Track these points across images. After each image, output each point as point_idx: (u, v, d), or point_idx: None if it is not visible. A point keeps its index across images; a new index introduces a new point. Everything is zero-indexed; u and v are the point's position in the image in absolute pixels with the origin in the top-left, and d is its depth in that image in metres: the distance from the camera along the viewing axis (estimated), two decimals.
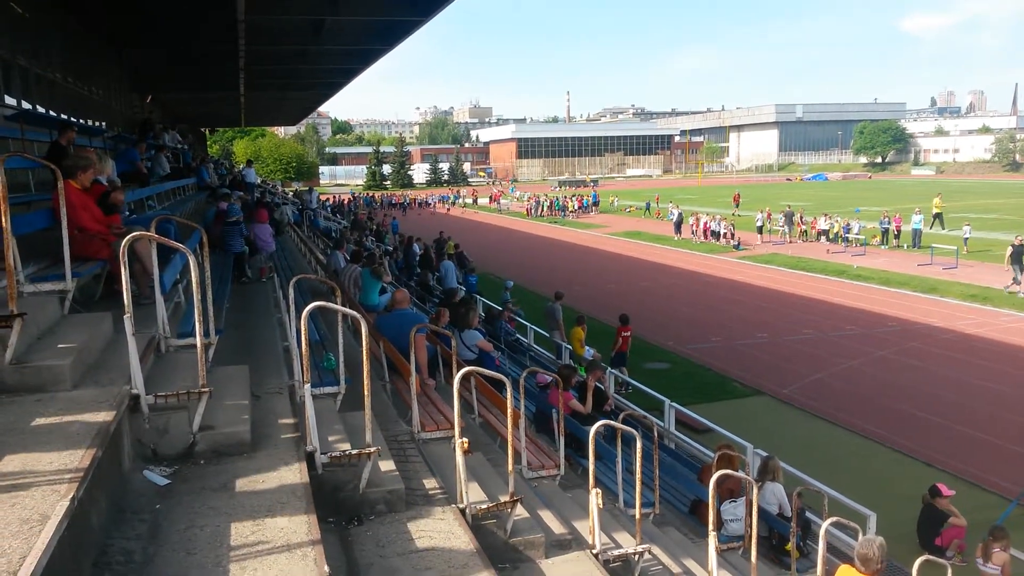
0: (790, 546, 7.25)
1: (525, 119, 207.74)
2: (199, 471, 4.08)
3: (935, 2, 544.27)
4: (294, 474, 4.10)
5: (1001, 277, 25.89)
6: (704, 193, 76.81)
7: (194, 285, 4.28)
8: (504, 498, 4.78)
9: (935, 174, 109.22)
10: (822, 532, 5.72)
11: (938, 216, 38.39)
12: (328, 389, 5.60)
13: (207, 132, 50.89)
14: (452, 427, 5.26)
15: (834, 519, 6.16)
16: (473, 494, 4.82)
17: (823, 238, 37.16)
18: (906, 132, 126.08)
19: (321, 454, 4.34)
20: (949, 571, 6.84)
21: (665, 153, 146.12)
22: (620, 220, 54.49)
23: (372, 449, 4.40)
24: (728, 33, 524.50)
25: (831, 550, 7.08)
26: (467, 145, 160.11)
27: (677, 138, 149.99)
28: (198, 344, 4.25)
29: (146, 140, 15.13)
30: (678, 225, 41.74)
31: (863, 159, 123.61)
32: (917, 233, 34.10)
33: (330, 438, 4.73)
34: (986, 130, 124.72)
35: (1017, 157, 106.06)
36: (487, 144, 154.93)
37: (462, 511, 4.62)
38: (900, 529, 8.86)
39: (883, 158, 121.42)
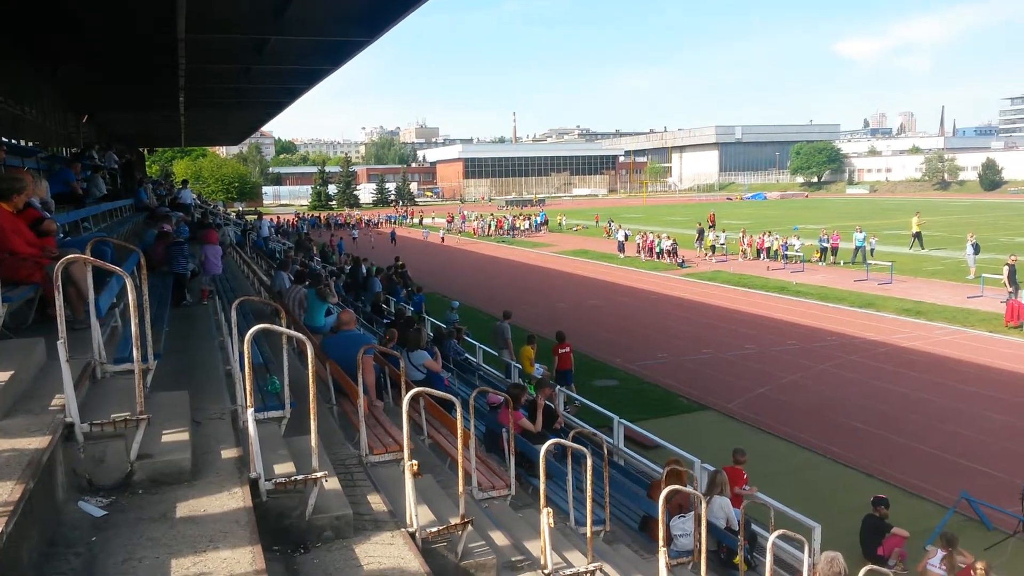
0: (738, 559, 7.34)
1: (472, 139, 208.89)
2: (137, 501, 3.93)
3: (868, 27, 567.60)
4: (237, 502, 3.99)
5: (935, 293, 26.93)
6: (649, 212, 78.09)
7: (131, 309, 4.15)
8: (455, 520, 4.73)
9: (869, 193, 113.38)
10: (769, 544, 5.81)
11: (917, 236, 38.50)
12: (272, 413, 5.48)
13: (146, 152, 49.70)
14: (401, 449, 5.19)
15: (780, 532, 6.26)
16: (423, 517, 4.76)
17: (763, 255, 38.11)
18: (840, 152, 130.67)
19: (265, 481, 4.23)
20: None
21: (610, 173, 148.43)
22: (567, 239, 54.97)
23: (319, 474, 4.31)
24: (671, 55, 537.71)
25: (777, 562, 7.19)
26: (414, 165, 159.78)
27: (621, 158, 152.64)
28: (136, 370, 4.11)
29: (81, 160, 14.70)
30: (622, 244, 42.47)
31: (800, 179, 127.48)
32: (859, 250, 35.15)
33: (275, 464, 4.62)
34: (916, 150, 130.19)
35: (946, 176, 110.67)
36: (434, 164, 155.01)
37: (412, 535, 4.55)
38: (844, 540, 9.04)
39: (819, 178, 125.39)
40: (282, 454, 4.91)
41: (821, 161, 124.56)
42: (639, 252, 41.11)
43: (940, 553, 8.38)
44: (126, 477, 4.08)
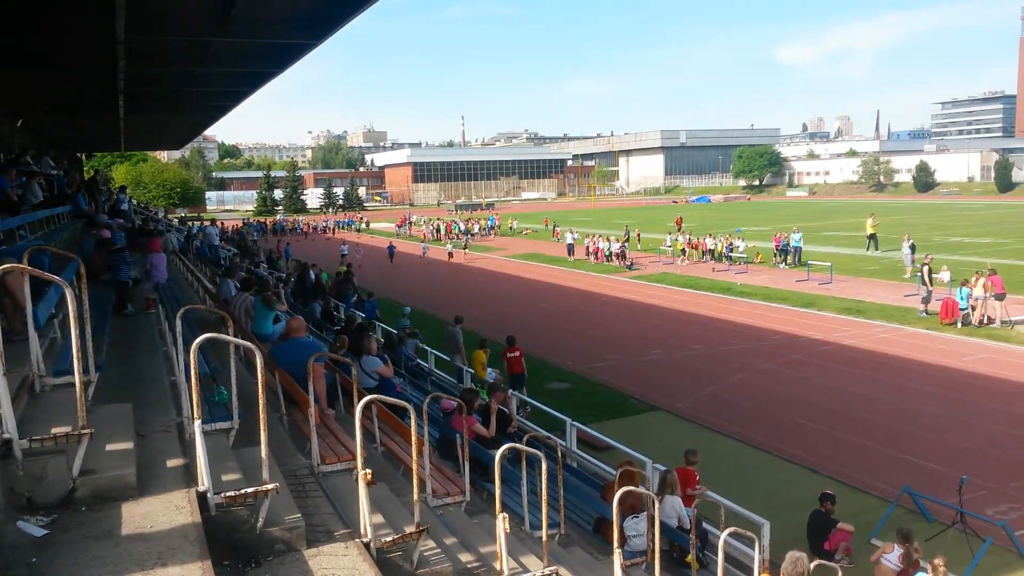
0: (690, 558, 7.44)
1: (421, 143, 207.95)
2: (80, 519, 3.81)
3: (807, 34, 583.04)
4: (185, 517, 3.90)
5: (873, 292, 27.78)
6: (597, 215, 78.85)
7: (72, 319, 4.02)
8: (410, 529, 4.70)
9: (808, 195, 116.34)
10: (720, 542, 5.91)
11: (872, 237, 38.98)
12: (220, 425, 5.36)
13: (84, 157, 48.17)
14: (354, 458, 5.13)
15: (731, 529, 6.38)
16: (377, 526, 4.71)
17: (706, 257, 38.79)
18: (781, 156, 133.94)
19: (214, 494, 4.14)
20: (839, 573, 7.18)
21: (559, 177, 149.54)
22: (517, 243, 55.14)
23: (269, 486, 4.23)
24: (617, 60, 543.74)
25: (729, 559, 7.31)
26: (362, 169, 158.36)
27: (570, 162, 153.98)
28: (76, 382, 3.98)
29: (16, 166, 14.18)
30: (571, 247, 42.82)
31: (742, 182, 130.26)
32: (797, 251, 36.08)
33: (224, 477, 4.52)
34: (853, 153, 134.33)
35: (881, 178, 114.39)
36: (382, 168, 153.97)
37: (366, 545, 4.50)
38: (792, 535, 9.26)
39: (760, 181, 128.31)
40: (231, 466, 4.81)
41: (762, 165, 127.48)
42: (587, 255, 41.52)
43: (899, 549, 8.52)
44: (68, 494, 3.95)
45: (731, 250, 36.83)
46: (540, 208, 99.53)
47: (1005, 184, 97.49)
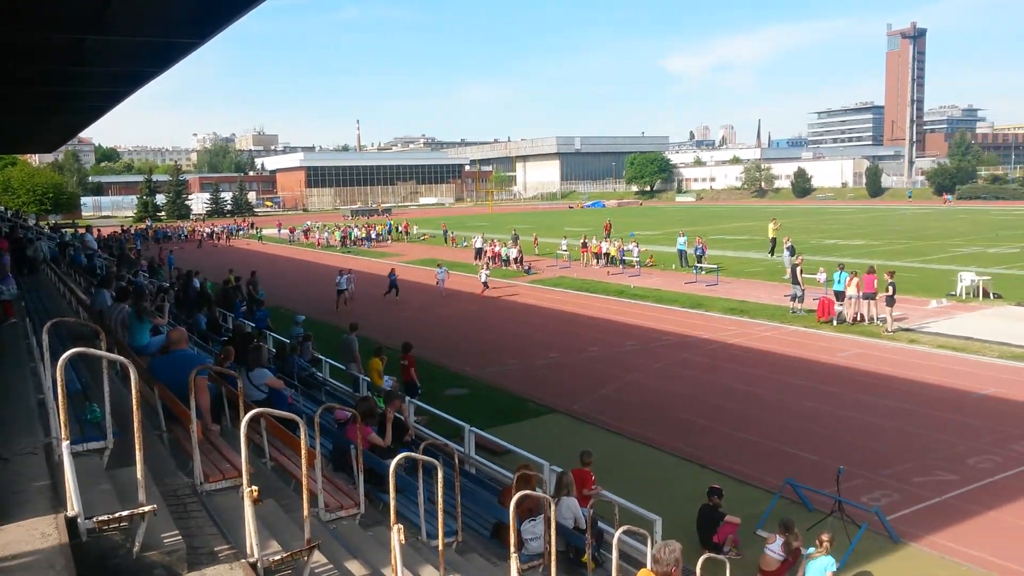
0: (586, 558, 7.55)
1: (314, 147, 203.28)
2: None
3: (692, 45, 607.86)
4: (52, 543, 3.63)
5: (756, 292, 29.14)
6: (495, 220, 79.30)
7: None
8: (300, 545, 4.55)
9: (696, 200, 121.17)
10: (615, 541, 6.02)
11: (774, 241, 39.55)
12: (93, 444, 5.05)
13: None
14: (240, 475, 4.93)
15: (625, 527, 6.52)
16: (265, 545, 4.54)
17: (601, 261, 39.65)
18: (670, 163, 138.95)
19: (85, 519, 3.88)
20: (727, 565, 7.46)
21: (456, 182, 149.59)
22: (415, 248, 54.70)
23: (146, 508, 4.01)
24: (514, 67, 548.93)
25: (624, 557, 7.47)
26: (252, 173, 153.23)
27: (467, 167, 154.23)
28: None
29: None
30: (479, 251, 42.88)
31: (634, 188, 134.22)
32: (682, 254, 37.57)
33: (97, 499, 4.25)
34: (736, 161, 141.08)
35: (763, 184, 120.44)
36: (274, 172, 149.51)
37: (252, 565, 4.32)
38: (683, 530, 9.56)
39: (651, 187, 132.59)
40: (105, 488, 4.54)
41: (653, 171, 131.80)
42: (484, 259, 41.71)
43: (779, 539, 9.06)
44: None
45: (624, 254, 37.85)
46: (438, 213, 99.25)
47: (875, 189, 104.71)
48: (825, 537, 8.43)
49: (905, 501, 11.16)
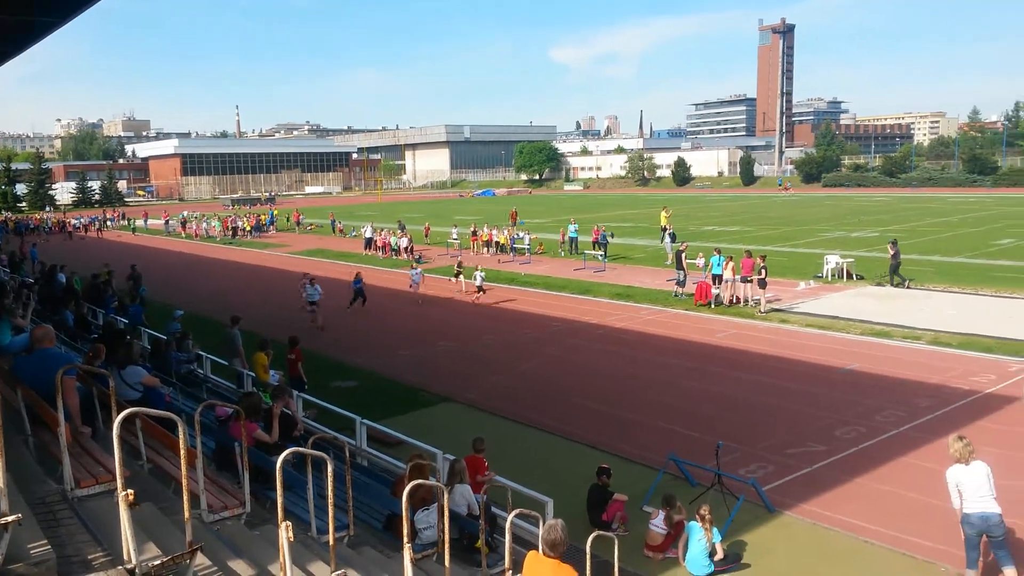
0: (480, 543, 7.62)
1: (190, 133, 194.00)
2: None
3: (576, 37, 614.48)
4: None
5: (640, 278, 30.13)
6: (384, 209, 78.26)
7: None
8: (181, 549, 4.37)
9: (583, 189, 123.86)
10: (508, 524, 6.10)
11: (665, 230, 39.74)
12: None
13: None
14: (114, 478, 4.67)
15: (517, 511, 6.61)
16: (144, 551, 4.33)
17: (491, 249, 39.95)
18: (558, 152, 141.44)
19: None
20: (616, 542, 7.69)
21: (344, 170, 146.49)
22: (302, 239, 53.23)
23: (10, 518, 3.74)
24: (400, 55, 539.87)
25: (517, 540, 7.58)
26: (122, 161, 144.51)
27: (355, 155, 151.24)
28: None
29: None
30: (369, 241, 42.20)
31: (524, 176, 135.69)
32: (574, 241, 38.37)
33: None
34: (621, 150, 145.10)
35: (645, 173, 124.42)
36: (146, 160, 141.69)
37: (130, 572, 4.11)
38: (573, 510, 9.80)
39: (540, 175, 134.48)
40: None
41: (541, 160, 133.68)
42: (374, 249, 41.30)
43: (661, 513, 9.52)
44: None
45: (515, 242, 38.25)
46: (325, 203, 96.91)
47: (748, 178, 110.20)
48: (704, 511, 8.98)
49: (779, 472, 11.84)
